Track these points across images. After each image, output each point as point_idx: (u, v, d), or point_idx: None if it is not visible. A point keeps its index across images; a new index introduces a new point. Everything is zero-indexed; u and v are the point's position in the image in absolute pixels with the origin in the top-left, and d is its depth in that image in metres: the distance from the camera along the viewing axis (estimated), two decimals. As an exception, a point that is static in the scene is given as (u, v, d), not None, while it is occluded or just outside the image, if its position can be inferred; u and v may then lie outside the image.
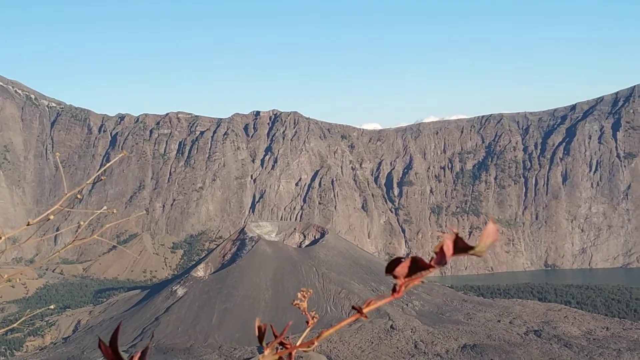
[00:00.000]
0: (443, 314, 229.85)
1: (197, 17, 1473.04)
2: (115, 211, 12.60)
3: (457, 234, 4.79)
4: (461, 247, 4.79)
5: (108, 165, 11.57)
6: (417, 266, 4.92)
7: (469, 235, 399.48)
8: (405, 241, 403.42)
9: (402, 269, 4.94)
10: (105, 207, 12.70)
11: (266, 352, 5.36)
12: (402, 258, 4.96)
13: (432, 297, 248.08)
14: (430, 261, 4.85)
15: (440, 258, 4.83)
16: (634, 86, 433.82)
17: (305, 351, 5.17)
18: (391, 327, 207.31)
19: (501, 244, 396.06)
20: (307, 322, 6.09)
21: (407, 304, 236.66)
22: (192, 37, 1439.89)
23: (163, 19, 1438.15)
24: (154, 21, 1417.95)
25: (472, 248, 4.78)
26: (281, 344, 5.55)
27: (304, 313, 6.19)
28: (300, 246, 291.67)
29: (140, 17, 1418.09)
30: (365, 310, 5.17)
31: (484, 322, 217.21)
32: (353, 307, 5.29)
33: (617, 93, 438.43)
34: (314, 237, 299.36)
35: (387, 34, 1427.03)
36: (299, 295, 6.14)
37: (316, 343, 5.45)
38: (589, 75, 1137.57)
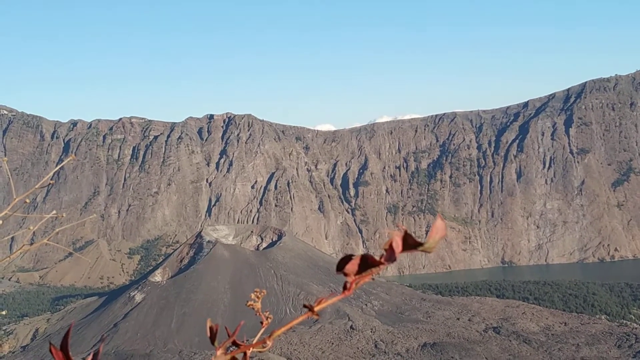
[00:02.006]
0: (402, 313, 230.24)
1: (146, 20, 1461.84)
2: (64, 215, 11.65)
3: (405, 231, 4.82)
4: (410, 243, 4.83)
5: (55, 169, 10.57)
6: (367, 263, 4.91)
7: (426, 234, 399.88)
8: (363, 241, 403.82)
9: (352, 266, 4.92)
10: (54, 212, 11.79)
11: (218, 352, 5.34)
12: (352, 255, 4.96)
13: (391, 296, 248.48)
14: (380, 258, 4.86)
15: (390, 255, 4.85)
16: (585, 82, 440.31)
17: (259, 351, 5.20)
18: (351, 327, 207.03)
19: (458, 242, 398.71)
20: (262, 323, 6.19)
21: (366, 304, 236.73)
22: (142, 41, 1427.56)
23: (113, 23, 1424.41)
24: (104, 26, 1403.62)
25: (421, 244, 4.85)
26: (235, 344, 5.53)
27: (257, 314, 6.29)
28: (257, 249, 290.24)
29: (89, 22, 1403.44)
30: (316, 309, 5.14)
31: (443, 320, 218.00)
32: (304, 306, 5.27)
33: (568, 89, 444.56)
34: (272, 239, 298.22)
35: (337, 34, 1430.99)
36: (253, 295, 6.23)
37: (269, 342, 5.45)
38: (541, 72, 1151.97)
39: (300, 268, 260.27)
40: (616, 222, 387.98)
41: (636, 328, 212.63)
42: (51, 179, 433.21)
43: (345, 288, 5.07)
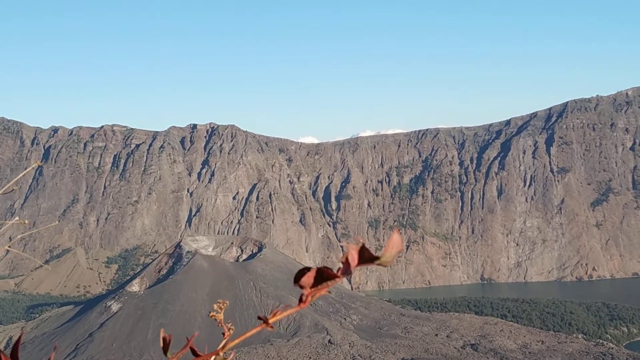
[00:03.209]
0: (381, 328, 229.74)
1: (131, 28, 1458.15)
2: (26, 222, 11.11)
3: (363, 244, 4.81)
4: (367, 257, 4.80)
5: (22, 175, 10.12)
6: (323, 276, 4.93)
7: (407, 249, 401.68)
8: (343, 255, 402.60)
9: (307, 279, 4.94)
10: (17, 218, 11.27)
11: None
12: (308, 268, 4.97)
13: (370, 311, 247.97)
14: (337, 271, 4.87)
15: (346, 268, 4.87)
16: (567, 102, 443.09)
17: None
18: (329, 341, 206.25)
19: (438, 257, 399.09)
20: (223, 334, 6.05)
21: (345, 319, 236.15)
22: (126, 48, 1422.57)
23: (97, 30, 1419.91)
24: (88, 32, 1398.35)
25: (377, 258, 4.81)
26: (194, 354, 5.48)
27: (220, 325, 6.24)
28: (237, 260, 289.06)
29: (73, 28, 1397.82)
30: (271, 321, 5.19)
31: (422, 336, 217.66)
32: (259, 317, 5.30)
33: (550, 109, 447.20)
34: (252, 251, 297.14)
35: (321, 47, 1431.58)
36: (215, 306, 6.19)
37: (222, 353, 5.46)
38: (523, 90, 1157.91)
39: (280, 280, 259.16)
40: (594, 242, 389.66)
41: (612, 348, 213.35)
42: (25, 185, 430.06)
43: (301, 300, 5.07)
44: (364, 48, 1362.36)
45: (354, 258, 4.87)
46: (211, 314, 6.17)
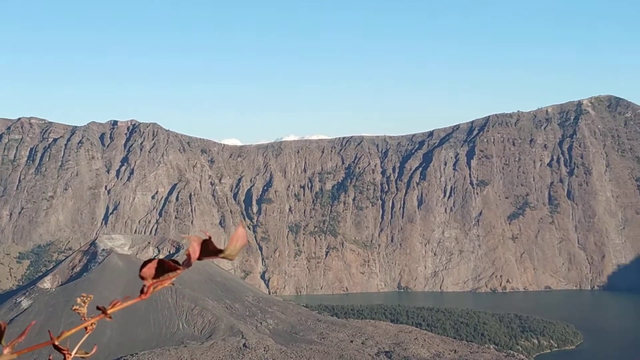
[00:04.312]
0: (297, 333, 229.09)
1: (49, 15, 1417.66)
2: None
3: (208, 237, 4.73)
4: (211, 250, 4.74)
5: None
6: (164, 268, 4.88)
7: (326, 255, 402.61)
8: (262, 259, 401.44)
9: (148, 270, 4.87)
10: None
11: (5, 351, 5.43)
12: (151, 260, 4.93)
13: (287, 316, 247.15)
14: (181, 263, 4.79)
15: (188, 260, 4.82)
16: (489, 116, 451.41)
17: (82, 357, 5.20)
18: (244, 345, 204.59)
19: (357, 264, 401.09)
20: (86, 329, 6.06)
21: (261, 323, 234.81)
22: (44, 37, 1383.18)
23: (13, 15, 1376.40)
24: (3, 18, 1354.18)
25: (222, 251, 4.75)
26: (56, 348, 5.60)
27: (83, 319, 6.13)
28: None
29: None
30: (109, 311, 5.17)
31: (337, 342, 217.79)
32: (97, 308, 5.32)
33: (472, 122, 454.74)
34: (169, 251, 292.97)
35: (245, 48, 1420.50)
36: (79, 300, 6.11)
37: (57, 342, 5.50)
38: (447, 103, 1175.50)
39: (197, 282, 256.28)
40: (509, 254, 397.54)
41: (523, 359, 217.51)
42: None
43: (142, 292, 5.06)
44: (289, 51, 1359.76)
45: (195, 250, 4.81)
46: (74, 307, 6.01)
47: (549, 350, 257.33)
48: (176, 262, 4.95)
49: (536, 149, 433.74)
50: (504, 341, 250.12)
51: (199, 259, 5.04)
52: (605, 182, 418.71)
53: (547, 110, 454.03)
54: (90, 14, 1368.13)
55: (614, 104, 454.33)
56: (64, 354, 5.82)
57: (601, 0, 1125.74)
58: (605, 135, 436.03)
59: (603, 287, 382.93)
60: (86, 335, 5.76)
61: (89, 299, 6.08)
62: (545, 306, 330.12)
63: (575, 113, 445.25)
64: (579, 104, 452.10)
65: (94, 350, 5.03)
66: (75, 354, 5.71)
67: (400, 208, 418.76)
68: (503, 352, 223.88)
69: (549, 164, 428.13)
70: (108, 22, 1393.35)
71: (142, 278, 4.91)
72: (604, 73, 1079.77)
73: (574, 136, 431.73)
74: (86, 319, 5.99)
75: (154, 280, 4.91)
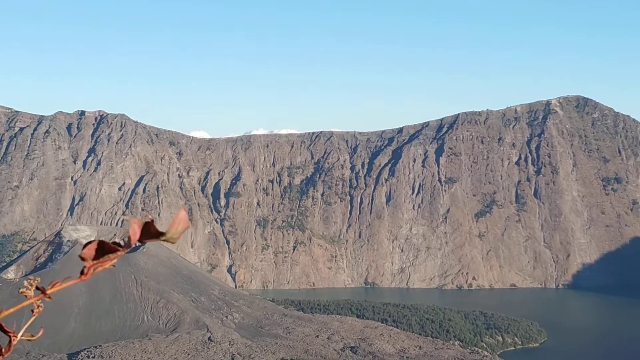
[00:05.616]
0: (262, 328, 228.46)
1: (20, 6, 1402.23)
2: None
3: (151, 220, 4.87)
4: (152, 232, 4.85)
5: None
6: (104, 249, 4.88)
7: (293, 249, 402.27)
8: (229, 252, 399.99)
9: (88, 251, 4.85)
10: None
11: None
12: (91, 241, 4.93)
13: (253, 310, 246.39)
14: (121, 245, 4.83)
15: (129, 242, 4.89)
16: (458, 114, 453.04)
17: (29, 340, 5.23)
18: (209, 339, 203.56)
19: (324, 260, 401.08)
20: (32, 311, 6.14)
21: (226, 316, 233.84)
22: (12, 26, 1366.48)
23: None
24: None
25: (163, 234, 4.86)
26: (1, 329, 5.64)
27: (30, 301, 6.21)
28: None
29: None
30: (49, 292, 5.18)
31: (303, 337, 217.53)
32: (37, 288, 5.36)
33: (442, 119, 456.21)
34: (135, 243, 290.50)
35: (213, 40, 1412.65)
36: (25, 283, 6.11)
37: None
38: (416, 99, 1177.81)
39: (162, 275, 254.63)
40: (476, 252, 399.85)
41: (487, 356, 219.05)
42: None
43: (82, 273, 5.08)
44: (258, 46, 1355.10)
45: (135, 232, 4.89)
46: (21, 290, 6.04)
47: (513, 348, 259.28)
48: (117, 243, 4.98)
49: (504, 148, 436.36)
50: (469, 338, 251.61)
51: (139, 241, 5.11)
52: (571, 181, 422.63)
53: (516, 109, 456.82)
54: (58, 3, 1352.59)
55: (582, 104, 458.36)
56: (10, 336, 5.91)
57: (569, 3, 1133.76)
58: (572, 135, 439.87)
59: (568, 286, 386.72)
60: (33, 318, 5.75)
61: (35, 281, 6.00)
62: (510, 304, 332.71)
63: (544, 112, 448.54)
64: (548, 103, 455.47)
65: (40, 333, 5.12)
66: (22, 336, 5.71)
67: (368, 204, 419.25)
68: (468, 349, 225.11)
69: (517, 163, 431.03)
70: (77, 12, 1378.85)
71: (82, 259, 4.90)
72: (572, 73, 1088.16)
73: (542, 135, 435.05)
74: (33, 302, 6.08)
75: (94, 262, 4.88)
